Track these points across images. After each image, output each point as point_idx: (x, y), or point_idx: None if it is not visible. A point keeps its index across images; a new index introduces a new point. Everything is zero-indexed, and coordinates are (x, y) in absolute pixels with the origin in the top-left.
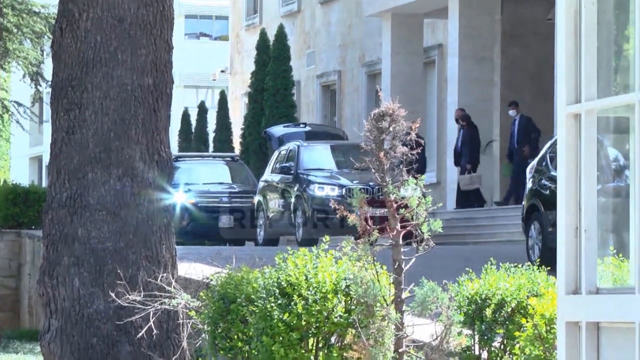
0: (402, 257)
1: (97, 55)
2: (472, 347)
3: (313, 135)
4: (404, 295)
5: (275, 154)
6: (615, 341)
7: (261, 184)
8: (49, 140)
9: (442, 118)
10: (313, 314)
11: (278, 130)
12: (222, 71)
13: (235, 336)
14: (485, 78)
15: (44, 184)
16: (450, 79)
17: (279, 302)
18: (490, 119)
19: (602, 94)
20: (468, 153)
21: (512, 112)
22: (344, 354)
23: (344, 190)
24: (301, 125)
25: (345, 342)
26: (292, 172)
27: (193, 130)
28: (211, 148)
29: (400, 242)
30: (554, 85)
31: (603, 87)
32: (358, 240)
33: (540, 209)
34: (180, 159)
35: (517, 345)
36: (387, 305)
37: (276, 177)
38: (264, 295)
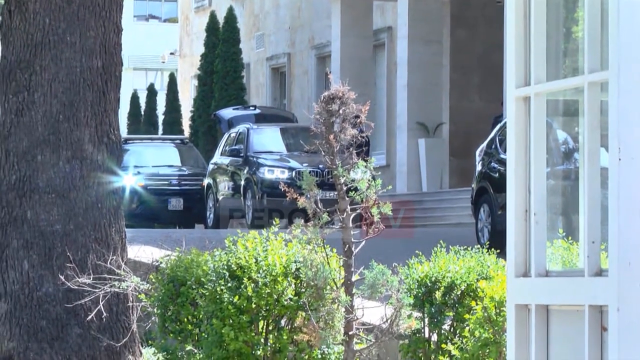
0: (352, 239)
1: (46, 38)
2: (422, 330)
3: (262, 118)
4: (354, 278)
5: (225, 136)
6: (564, 324)
7: (211, 167)
8: None
9: (391, 100)
10: (263, 297)
11: (227, 112)
12: (172, 53)
13: (185, 319)
14: (434, 61)
15: None
16: (399, 61)
17: (229, 284)
18: (439, 102)
19: (551, 77)
20: None
21: None
22: (294, 337)
23: (293, 173)
24: (251, 108)
25: (296, 324)
26: (242, 154)
27: (142, 113)
28: (160, 131)
29: (350, 224)
30: (503, 68)
31: (552, 70)
32: (308, 223)
33: (490, 192)
34: (130, 142)
35: (467, 328)
36: (337, 288)
37: (226, 160)
38: (214, 278)
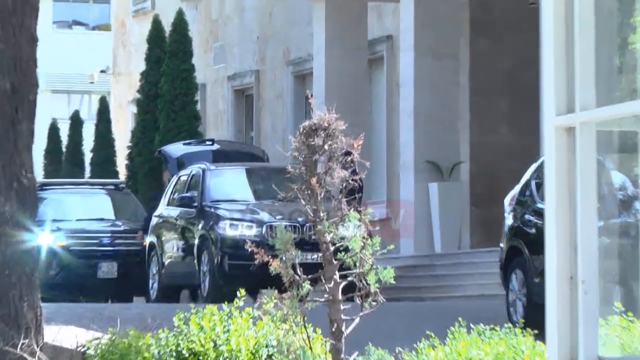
0: (342, 316)
1: None
2: None
3: (223, 156)
4: None
5: (173, 180)
6: None
7: (154, 221)
8: None
9: (393, 132)
10: None
11: (177, 149)
12: (103, 71)
13: None
14: (448, 80)
15: None
16: (403, 81)
17: None
18: (455, 134)
19: (603, 101)
20: None
21: None
22: None
23: (264, 228)
24: (207, 143)
25: None
26: (196, 204)
27: (64, 149)
28: (88, 172)
29: (340, 297)
30: (537, 90)
31: (603, 92)
32: (283, 295)
33: (524, 253)
34: (47, 188)
35: None
36: None
37: (174, 212)
38: None
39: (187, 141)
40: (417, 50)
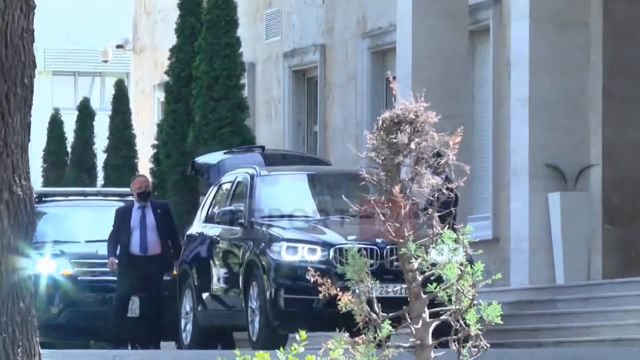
0: None
1: None
2: None
3: (277, 158)
4: None
5: (212, 190)
6: None
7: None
8: None
9: (501, 127)
10: None
11: (215, 158)
12: (119, 46)
13: None
14: (576, 58)
15: None
16: (515, 59)
17: None
18: (585, 130)
19: None
20: None
21: None
22: None
23: (331, 252)
24: (256, 151)
25: None
26: (242, 221)
27: (69, 149)
28: (100, 179)
29: (430, 341)
30: None
31: None
32: (357, 339)
33: None
34: (48, 199)
35: None
36: None
37: (214, 231)
38: None
39: (228, 150)
40: (533, 18)
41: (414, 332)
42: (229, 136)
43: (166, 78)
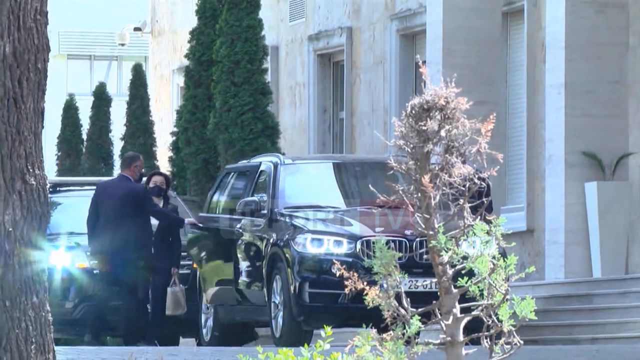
0: None
1: None
2: None
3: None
4: None
5: (232, 177)
6: None
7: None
8: None
9: (535, 113)
10: None
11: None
12: (137, 29)
13: None
14: (614, 39)
15: None
16: (550, 42)
17: None
18: (624, 117)
19: None
20: None
21: None
22: None
23: (358, 244)
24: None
25: None
26: (265, 212)
27: (85, 136)
28: (117, 168)
29: (461, 337)
30: None
31: None
32: (385, 335)
33: None
34: (62, 189)
35: None
36: None
37: (235, 222)
38: None
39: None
40: None
41: (444, 328)
42: (251, 122)
43: (186, 62)
